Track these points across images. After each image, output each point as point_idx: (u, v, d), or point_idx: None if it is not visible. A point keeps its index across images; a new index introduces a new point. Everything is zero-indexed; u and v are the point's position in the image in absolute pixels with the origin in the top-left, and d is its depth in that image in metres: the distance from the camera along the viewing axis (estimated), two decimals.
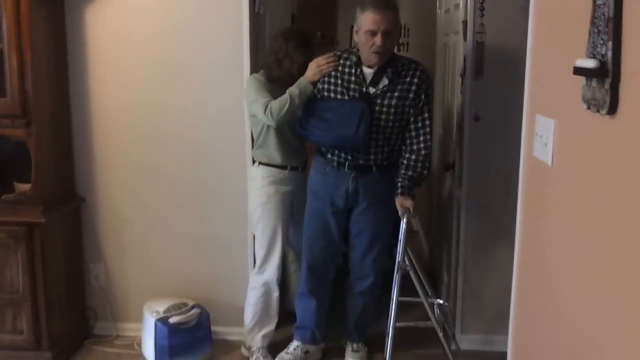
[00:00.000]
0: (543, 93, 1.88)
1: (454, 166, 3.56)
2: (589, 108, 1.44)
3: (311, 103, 3.09)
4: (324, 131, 3.05)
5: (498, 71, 3.13)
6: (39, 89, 3.11)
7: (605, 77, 1.35)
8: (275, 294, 3.31)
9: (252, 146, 3.34)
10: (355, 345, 3.40)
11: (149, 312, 3.26)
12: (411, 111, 3.03)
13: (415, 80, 3.00)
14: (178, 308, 3.27)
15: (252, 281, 3.33)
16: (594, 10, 1.41)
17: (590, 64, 1.39)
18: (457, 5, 3.62)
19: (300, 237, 3.33)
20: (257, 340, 3.32)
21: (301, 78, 3.10)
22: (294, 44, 3.18)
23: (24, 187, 3.25)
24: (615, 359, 1.32)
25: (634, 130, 1.25)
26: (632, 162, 1.24)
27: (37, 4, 3.06)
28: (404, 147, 3.10)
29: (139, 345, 3.42)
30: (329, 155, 3.14)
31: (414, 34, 6.68)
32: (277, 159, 3.25)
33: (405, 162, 3.07)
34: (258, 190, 3.28)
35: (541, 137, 1.83)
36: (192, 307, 3.30)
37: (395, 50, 3.12)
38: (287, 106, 3.03)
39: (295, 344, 3.37)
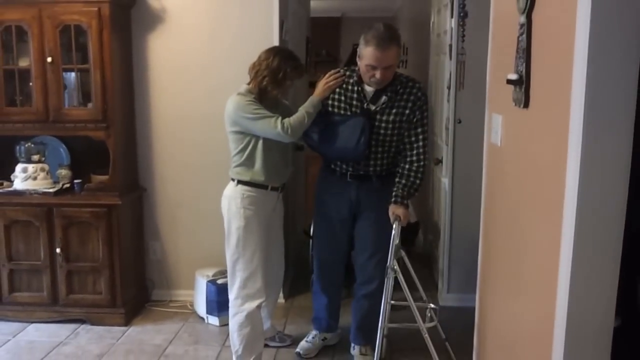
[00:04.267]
0: (496, 98, 2.73)
1: (441, 160, 4.39)
2: (516, 105, 2.29)
3: (316, 119, 3.24)
4: (329, 144, 3.24)
5: (475, 84, 3.89)
6: (115, 100, 3.94)
7: (522, 84, 2.20)
8: (260, 316, 3.31)
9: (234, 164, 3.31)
10: (363, 349, 3.49)
11: (200, 275, 4.11)
12: (406, 126, 3.23)
13: (412, 97, 3.20)
14: (223, 273, 4.08)
15: (234, 306, 3.27)
16: (518, 43, 2.27)
17: (514, 77, 2.25)
18: (445, 32, 4.47)
19: (274, 255, 3.48)
20: None
21: (312, 96, 3.23)
22: (292, 64, 3.22)
23: (99, 178, 4.08)
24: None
25: (538, 117, 2.10)
26: (539, 136, 2.09)
27: (114, 33, 3.91)
28: (399, 158, 3.29)
29: (191, 305, 4.26)
30: (333, 166, 3.35)
31: (412, 53, 7.49)
32: (260, 178, 3.22)
33: (400, 171, 3.26)
34: (237, 212, 3.22)
35: (495, 128, 2.68)
36: None
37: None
38: (305, 123, 3.15)
39: (313, 332, 3.72)
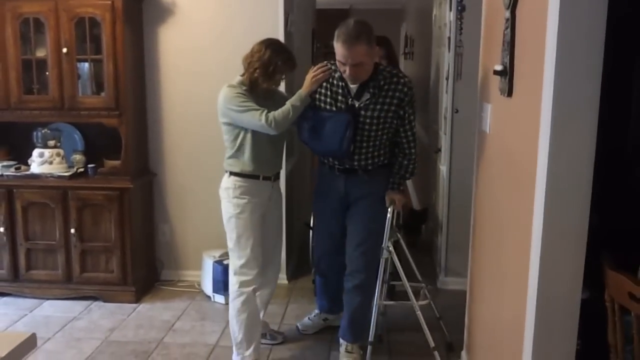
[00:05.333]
0: (486, 88, 2.90)
1: (440, 149, 4.56)
2: (501, 94, 2.46)
3: (306, 114, 3.24)
4: (316, 140, 3.27)
5: (472, 75, 4.00)
6: (126, 89, 4.13)
7: (506, 75, 2.37)
8: (255, 302, 3.35)
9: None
10: (349, 347, 3.43)
11: (207, 256, 4.30)
12: (396, 122, 3.21)
13: (397, 94, 3.16)
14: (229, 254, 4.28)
15: (231, 292, 3.36)
16: (503, 37, 2.43)
17: (500, 68, 2.42)
18: (445, 24, 4.63)
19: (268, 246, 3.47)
20: (248, 355, 3.34)
21: (300, 91, 3.21)
22: (284, 57, 3.21)
23: (112, 163, 4.28)
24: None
25: (521, 104, 2.27)
26: (521, 122, 2.26)
27: (127, 26, 4.09)
28: (396, 151, 3.33)
29: (199, 285, 4.46)
30: (324, 160, 3.43)
31: (417, 44, 7.62)
32: (249, 168, 3.25)
33: (397, 163, 3.34)
34: (230, 202, 3.28)
35: (485, 115, 2.85)
36: None
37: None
38: (290, 116, 3.14)
39: (316, 312, 3.88)
